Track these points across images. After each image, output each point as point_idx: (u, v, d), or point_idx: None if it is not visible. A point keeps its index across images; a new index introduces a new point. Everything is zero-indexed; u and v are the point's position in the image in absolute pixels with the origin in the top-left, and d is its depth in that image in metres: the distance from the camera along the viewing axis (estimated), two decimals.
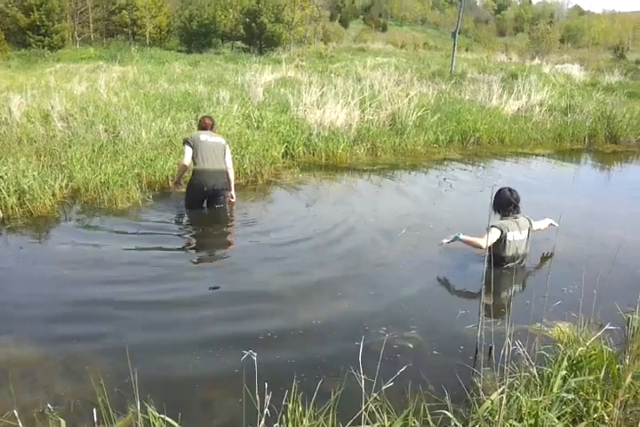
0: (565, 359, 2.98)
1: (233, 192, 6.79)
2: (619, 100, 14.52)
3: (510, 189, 5.15)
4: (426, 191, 8.05)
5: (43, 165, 7.12)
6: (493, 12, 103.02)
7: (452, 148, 10.92)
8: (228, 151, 6.71)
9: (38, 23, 32.10)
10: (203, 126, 6.78)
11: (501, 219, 5.09)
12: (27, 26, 32.09)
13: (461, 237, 4.90)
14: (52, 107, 9.98)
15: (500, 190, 5.14)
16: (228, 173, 6.65)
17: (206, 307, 4.34)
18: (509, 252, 5.01)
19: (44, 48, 31.61)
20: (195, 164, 6.49)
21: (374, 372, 2.62)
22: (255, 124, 10.10)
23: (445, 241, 4.99)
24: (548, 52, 39.44)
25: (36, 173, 6.65)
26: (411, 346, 3.79)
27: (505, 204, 5.07)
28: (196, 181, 6.53)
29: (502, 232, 4.93)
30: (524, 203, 5.23)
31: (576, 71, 23.88)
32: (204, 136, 6.56)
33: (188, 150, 6.47)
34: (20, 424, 2.25)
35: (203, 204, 6.74)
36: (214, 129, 6.91)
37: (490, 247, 4.70)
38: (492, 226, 4.86)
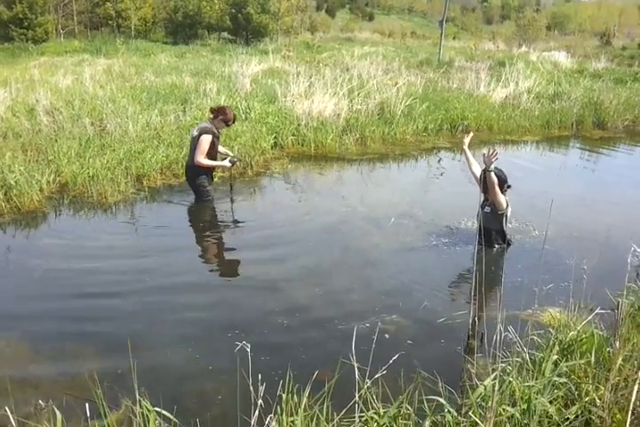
0: (557, 344, 3.00)
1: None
2: (605, 87, 14.54)
3: (498, 169, 5.20)
4: (415, 180, 8.06)
5: (29, 160, 7.04)
6: (480, 0, 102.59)
7: (440, 136, 10.90)
8: (201, 143, 6.27)
9: (21, 16, 31.49)
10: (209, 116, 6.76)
11: None
12: (9, 19, 31.49)
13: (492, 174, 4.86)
14: (37, 101, 9.86)
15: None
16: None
17: (197, 298, 4.34)
18: (510, 225, 5.28)
19: (27, 41, 31.05)
20: None
21: (367, 360, 2.62)
22: (243, 116, 10.03)
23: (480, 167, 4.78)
24: (534, 40, 39.30)
25: (22, 168, 6.57)
26: (402, 334, 3.80)
27: (502, 183, 5.11)
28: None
29: (507, 205, 5.07)
30: (513, 190, 5.25)
31: (563, 58, 23.85)
32: (193, 130, 6.52)
33: None
34: (12, 419, 2.23)
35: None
36: (213, 116, 6.46)
37: (503, 224, 5.08)
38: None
